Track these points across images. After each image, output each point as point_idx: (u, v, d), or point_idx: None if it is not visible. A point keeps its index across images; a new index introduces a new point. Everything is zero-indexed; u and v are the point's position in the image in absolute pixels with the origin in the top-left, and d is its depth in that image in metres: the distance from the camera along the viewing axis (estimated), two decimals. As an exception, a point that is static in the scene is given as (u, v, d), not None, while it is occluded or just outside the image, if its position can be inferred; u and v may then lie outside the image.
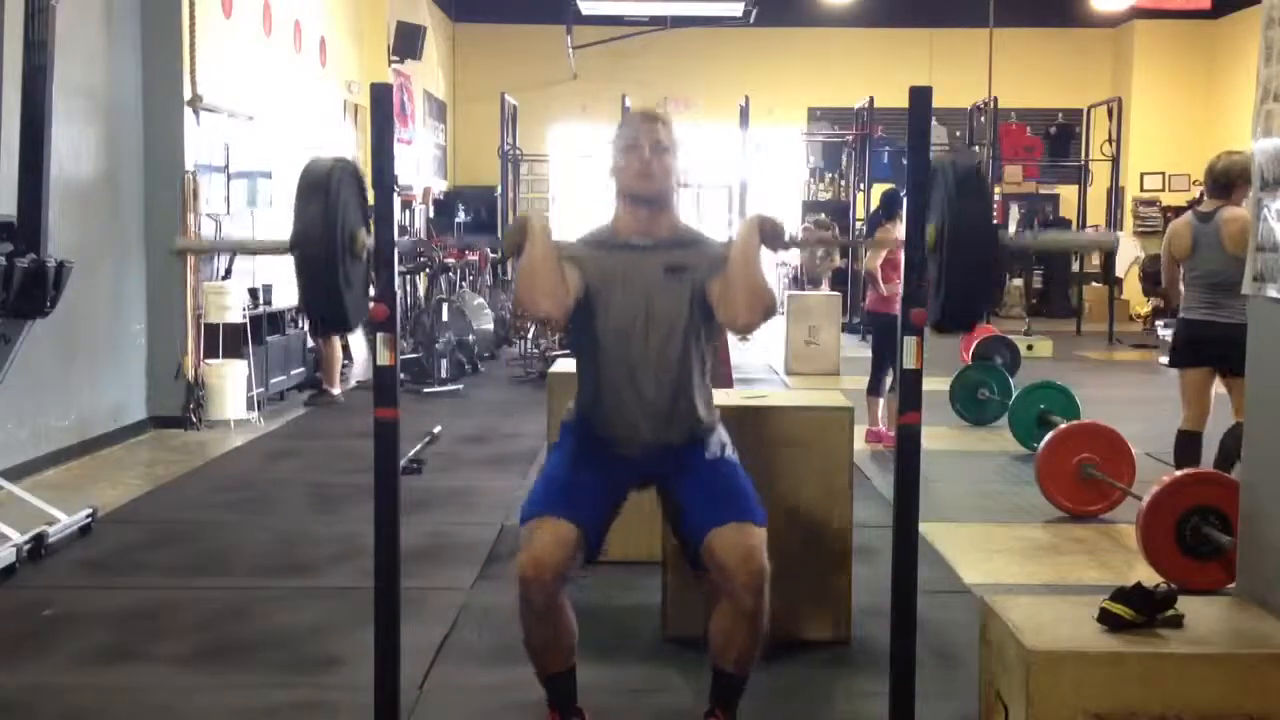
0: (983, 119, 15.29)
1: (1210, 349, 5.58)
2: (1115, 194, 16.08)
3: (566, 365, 5.86)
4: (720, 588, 3.01)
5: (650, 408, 3.12)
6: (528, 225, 3.02)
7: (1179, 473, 4.96)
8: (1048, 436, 6.12)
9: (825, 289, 13.70)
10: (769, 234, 3.04)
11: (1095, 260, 17.79)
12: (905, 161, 2.99)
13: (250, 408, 8.54)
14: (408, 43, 14.30)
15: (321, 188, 2.85)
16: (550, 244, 3.01)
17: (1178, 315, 5.89)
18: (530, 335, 12.01)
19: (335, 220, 2.85)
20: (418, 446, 7.19)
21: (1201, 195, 5.97)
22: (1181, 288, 5.81)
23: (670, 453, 3.16)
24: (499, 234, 15.77)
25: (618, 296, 3.10)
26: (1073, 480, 5.97)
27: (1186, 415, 5.85)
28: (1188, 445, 5.79)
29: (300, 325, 10.20)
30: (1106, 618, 2.87)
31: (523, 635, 3.09)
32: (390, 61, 14.07)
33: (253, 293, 9.23)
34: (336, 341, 9.70)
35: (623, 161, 3.13)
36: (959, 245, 2.76)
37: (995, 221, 2.88)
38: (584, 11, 15.44)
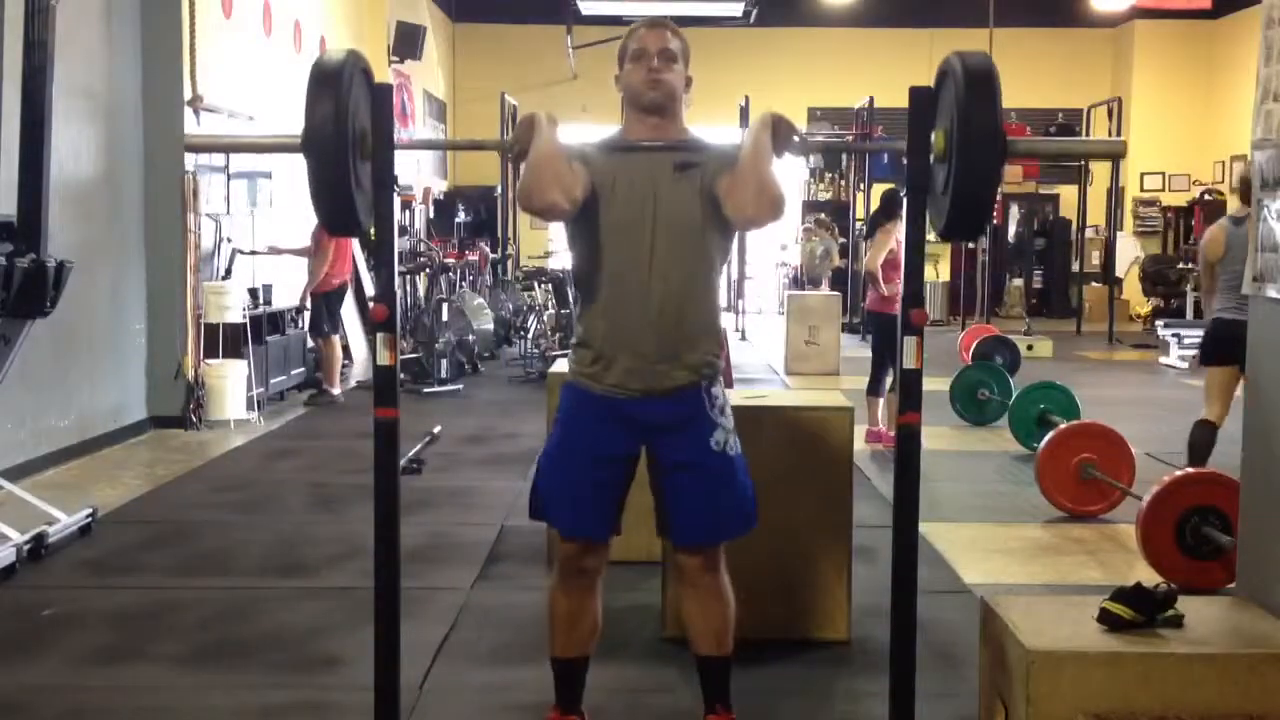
0: (983, 119, 15.27)
1: (1239, 348, 5.62)
2: (1115, 194, 16.08)
3: (566, 365, 5.87)
4: (687, 595, 3.18)
5: (657, 317, 2.97)
6: (535, 119, 2.98)
7: (1179, 472, 4.96)
8: (1048, 436, 6.12)
9: (825, 289, 13.70)
10: (781, 134, 2.99)
11: (1095, 260, 17.79)
12: (905, 162, 2.98)
13: (250, 408, 8.54)
14: (408, 43, 14.30)
15: (332, 84, 2.80)
16: (556, 138, 2.97)
17: (1212, 316, 6.06)
18: (530, 335, 12.02)
19: (346, 118, 2.81)
20: (418, 446, 7.19)
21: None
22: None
23: (673, 405, 3.02)
24: (498, 233, 15.79)
25: (624, 192, 3.00)
26: (1073, 480, 5.97)
27: (1208, 410, 6.05)
28: (1203, 434, 5.98)
29: (300, 325, 10.20)
30: (1106, 618, 2.87)
31: (549, 613, 3.18)
32: (390, 61, 14.07)
33: (253, 293, 9.23)
34: (336, 341, 9.70)
35: (631, 69, 3.07)
36: (969, 150, 2.75)
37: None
38: (584, 11, 15.44)
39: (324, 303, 9.47)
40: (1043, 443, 6.12)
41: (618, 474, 3.08)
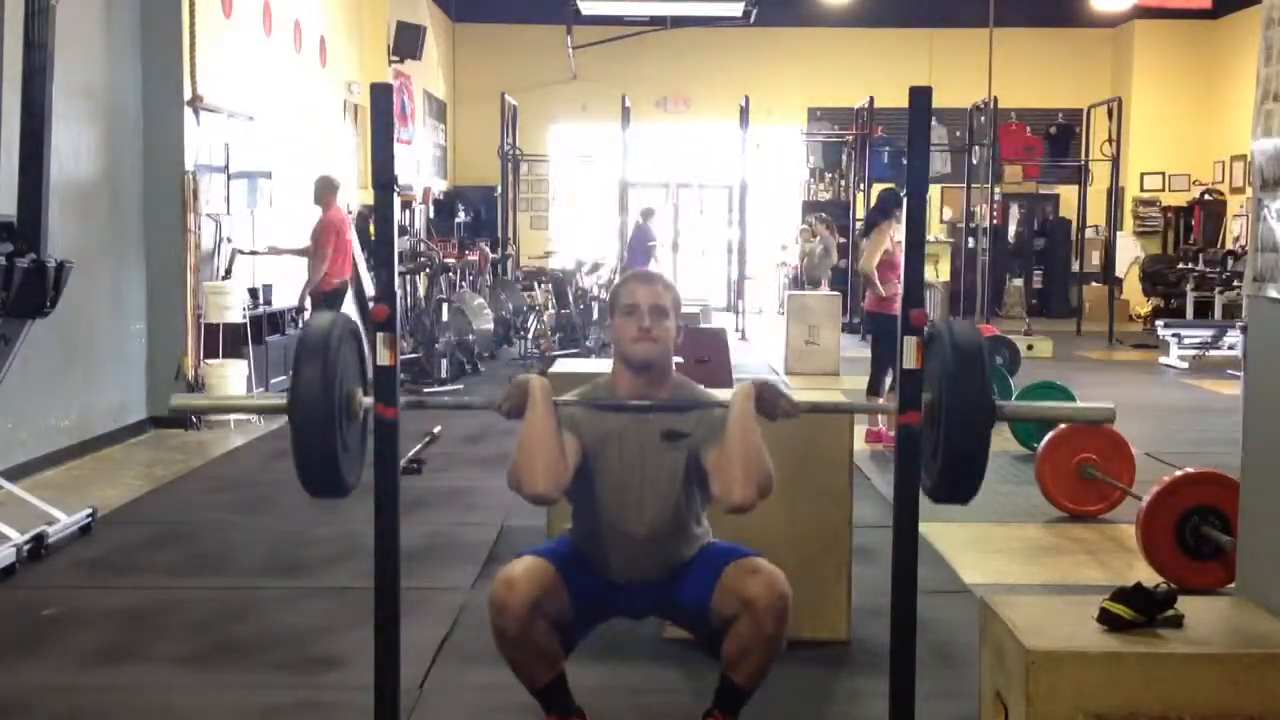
0: (983, 119, 15.29)
1: None
2: (1115, 194, 16.09)
3: (567, 366, 5.87)
4: (741, 615, 3.01)
5: (646, 556, 3.13)
6: (529, 388, 2.98)
7: (1179, 472, 4.96)
8: (1048, 437, 6.12)
9: (825, 289, 13.70)
10: (766, 403, 2.99)
11: (1095, 260, 17.80)
12: (905, 161, 2.98)
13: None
14: (408, 43, 14.30)
15: (319, 350, 2.81)
16: (551, 411, 2.97)
17: None
18: (530, 335, 12.02)
19: (334, 383, 2.81)
20: (418, 446, 7.19)
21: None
22: None
23: (660, 585, 3.17)
24: (498, 233, 15.80)
25: (614, 459, 3.08)
26: (1073, 480, 5.97)
27: None
28: None
29: (300, 325, 10.20)
30: (1106, 618, 2.87)
31: (500, 656, 3.12)
32: (390, 61, 14.07)
33: (253, 292, 9.23)
34: None
35: (621, 324, 3.09)
36: (957, 417, 2.76)
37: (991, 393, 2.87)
38: (584, 11, 15.44)
39: (324, 303, 9.47)
40: (1043, 443, 6.12)
41: (600, 590, 3.16)
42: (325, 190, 9.20)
